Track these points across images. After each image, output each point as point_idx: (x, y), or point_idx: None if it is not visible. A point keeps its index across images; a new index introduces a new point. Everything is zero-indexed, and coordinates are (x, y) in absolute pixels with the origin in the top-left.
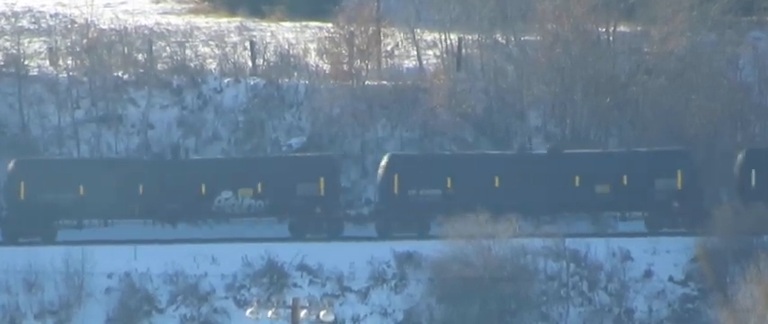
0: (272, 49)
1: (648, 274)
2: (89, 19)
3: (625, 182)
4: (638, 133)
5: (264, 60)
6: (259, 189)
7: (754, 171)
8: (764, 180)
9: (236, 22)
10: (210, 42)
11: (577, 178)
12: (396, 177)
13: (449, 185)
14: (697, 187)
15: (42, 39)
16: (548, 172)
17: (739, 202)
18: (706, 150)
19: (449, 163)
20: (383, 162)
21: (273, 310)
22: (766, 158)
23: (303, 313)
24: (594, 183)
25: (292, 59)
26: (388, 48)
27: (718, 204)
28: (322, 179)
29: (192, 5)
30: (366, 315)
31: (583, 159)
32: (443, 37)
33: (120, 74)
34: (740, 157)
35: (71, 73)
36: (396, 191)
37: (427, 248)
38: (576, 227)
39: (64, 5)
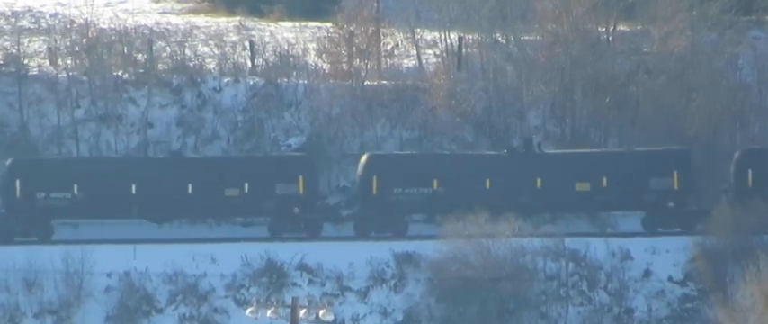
0: (272, 48)
1: (648, 273)
2: (89, 18)
3: None
4: (637, 133)
5: (263, 60)
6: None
7: (133, 185)
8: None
9: (235, 21)
10: (210, 42)
11: None
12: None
13: None
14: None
15: (42, 38)
16: None
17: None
18: (706, 150)
19: None
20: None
21: (273, 309)
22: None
23: (302, 312)
24: None
25: (291, 59)
26: (388, 47)
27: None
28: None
29: (191, 5)
30: (365, 315)
31: None
32: (443, 36)
33: (119, 73)
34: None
35: (71, 72)
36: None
37: (427, 248)
38: (576, 226)
39: (63, 5)
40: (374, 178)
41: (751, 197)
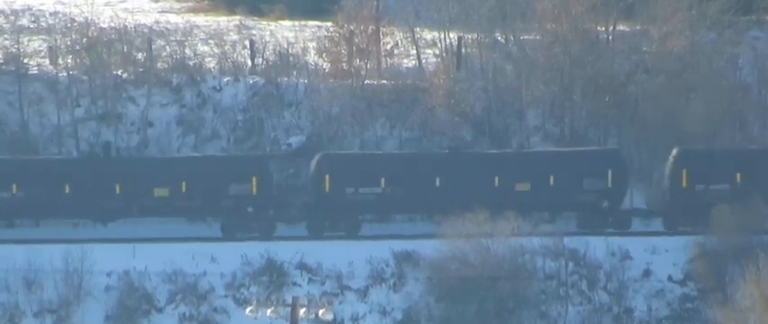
0: (272, 47)
1: (647, 273)
2: (89, 17)
3: None
4: (636, 132)
5: (264, 59)
6: None
7: None
8: None
9: (235, 20)
10: (210, 41)
11: None
12: None
13: None
14: None
15: (42, 37)
16: None
17: None
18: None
19: None
20: None
21: (273, 308)
22: None
23: (302, 312)
24: None
25: (291, 58)
26: (388, 47)
27: None
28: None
29: (191, 4)
30: (365, 314)
31: None
32: (443, 36)
33: (119, 72)
34: None
35: (71, 71)
36: None
37: (426, 248)
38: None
39: (64, 4)
40: None
41: (327, 201)
